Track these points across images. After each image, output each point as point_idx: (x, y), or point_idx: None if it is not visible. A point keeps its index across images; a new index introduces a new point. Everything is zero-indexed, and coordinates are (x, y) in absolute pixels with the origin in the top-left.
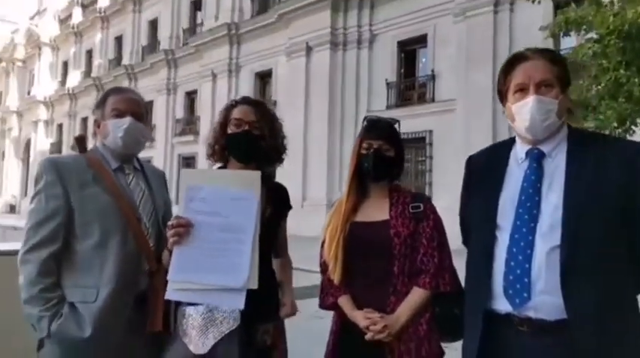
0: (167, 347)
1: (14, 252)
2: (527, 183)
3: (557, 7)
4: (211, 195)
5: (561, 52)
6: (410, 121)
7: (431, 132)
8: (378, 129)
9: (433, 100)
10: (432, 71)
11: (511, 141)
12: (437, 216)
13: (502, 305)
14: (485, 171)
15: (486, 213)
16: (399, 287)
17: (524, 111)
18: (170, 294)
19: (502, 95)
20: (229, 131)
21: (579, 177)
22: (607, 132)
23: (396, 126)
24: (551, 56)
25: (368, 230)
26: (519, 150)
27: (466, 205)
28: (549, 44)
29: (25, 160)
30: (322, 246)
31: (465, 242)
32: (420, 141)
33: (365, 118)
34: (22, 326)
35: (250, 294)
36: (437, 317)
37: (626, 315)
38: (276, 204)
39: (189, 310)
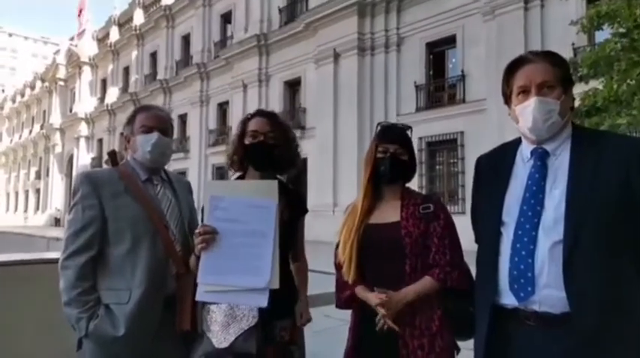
0: (193, 342)
1: (56, 260)
2: (531, 180)
3: (590, 1)
4: (233, 204)
5: (595, 47)
6: (440, 123)
7: (462, 133)
8: (393, 134)
9: (464, 101)
10: (462, 71)
11: (517, 141)
12: (447, 216)
13: (508, 299)
14: (492, 170)
15: (493, 210)
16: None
17: (527, 112)
18: (200, 295)
19: (506, 97)
20: (246, 142)
21: (582, 173)
22: None
23: (409, 132)
24: (552, 58)
25: (380, 231)
26: (525, 149)
27: (476, 204)
28: (582, 39)
29: (69, 175)
30: (337, 247)
31: (477, 239)
32: (452, 143)
33: (379, 124)
34: (64, 327)
35: (270, 293)
36: (450, 315)
37: (628, 308)
38: (292, 208)
39: (213, 307)
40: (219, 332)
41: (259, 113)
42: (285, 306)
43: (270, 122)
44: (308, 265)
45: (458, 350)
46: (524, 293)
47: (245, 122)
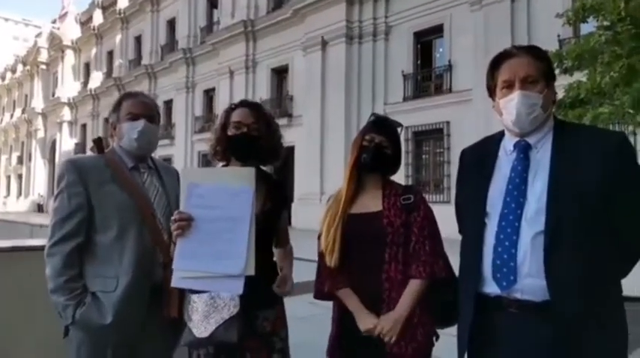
0: (181, 330)
1: (41, 248)
2: (514, 173)
3: None
4: (209, 191)
5: (580, 39)
6: (427, 113)
7: (448, 123)
8: (383, 126)
9: (450, 91)
10: (449, 61)
11: (501, 134)
12: (427, 207)
13: (491, 288)
14: (476, 162)
15: (477, 202)
16: (392, 274)
17: (511, 105)
18: (176, 282)
19: (491, 91)
20: (229, 133)
21: (563, 166)
22: (623, 117)
23: (399, 129)
24: (536, 53)
25: (363, 221)
26: (508, 142)
27: (460, 196)
28: (568, 31)
29: (51, 160)
30: (319, 237)
31: (461, 230)
32: (438, 133)
33: (372, 114)
34: (49, 315)
35: (251, 283)
36: (431, 304)
37: (607, 296)
38: (275, 199)
39: (194, 297)
40: (200, 321)
41: (243, 103)
42: (268, 297)
43: (254, 113)
44: (293, 252)
45: (437, 337)
46: (507, 282)
47: (229, 112)
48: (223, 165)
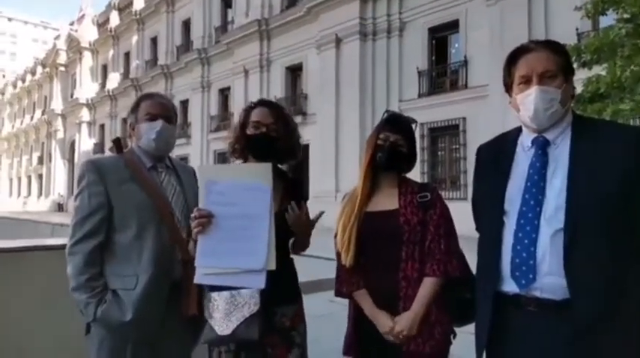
0: (201, 327)
1: (62, 247)
2: (532, 169)
3: None
4: (227, 188)
5: (599, 33)
6: (443, 109)
7: (464, 119)
8: (396, 124)
9: (466, 87)
10: (465, 57)
11: (518, 130)
12: (443, 205)
13: (510, 286)
14: (493, 159)
15: (494, 199)
16: (409, 272)
17: (528, 101)
18: (198, 278)
19: (508, 87)
20: (248, 132)
21: (582, 162)
22: None
23: (414, 126)
24: (554, 47)
25: (379, 219)
26: (525, 138)
27: (477, 194)
28: (587, 24)
29: (71, 160)
30: (335, 236)
31: (478, 228)
32: (454, 129)
33: (386, 111)
34: (67, 313)
35: (270, 279)
36: (448, 302)
37: (627, 295)
38: (292, 197)
39: (214, 295)
40: (222, 319)
41: (262, 103)
42: (286, 293)
43: (273, 113)
44: (309, 249)
45: (454, 335)
46: (526, 281)
47: (248, 111)
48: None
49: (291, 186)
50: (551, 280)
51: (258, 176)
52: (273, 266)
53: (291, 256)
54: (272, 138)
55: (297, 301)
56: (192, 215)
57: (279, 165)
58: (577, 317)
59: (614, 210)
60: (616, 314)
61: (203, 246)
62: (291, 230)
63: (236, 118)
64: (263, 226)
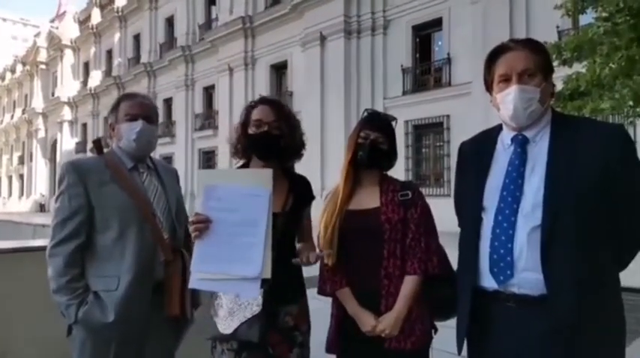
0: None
1: (43, 248)
2: (511, 167)
3: None
4: (226, 193)
5: (579, 31)
6: (427, 106)
7: (448, 116)
8: (377, 121)
9: (449, 84)
10: (448, 55)
11: (499, 128)
12: (424, 203)
13: (488, 282)
14: (474, 156)
15: (474, 196)
16: (391, 270)
17: (508, 100)
18: (193, 283)
19: (488, 85)
20: (250, 131)
21: (560, 159)
22: (624, 111)
23: (394, 123)
24: (533, 46)
25: (361, 217)
26: (505, 136)
27: (459, 190)
28: (567, 22)
29: (53, 160)
30: (318, 235)
31: (460, 224)
32: (438, 126)
33: (366, 110)
34: (51, 315)
35: (274, 279)
36: (429, 298)
37: (604, 289)
38: (297, 195)
39: (220, 294)
40: (225, 318)
41: (263, 101)
42: (290, 292)
43: (275, 111)
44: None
45: (436, 330)
46: (504, 277)
47: (249, 110)
48: (243, 164)
49: (296, 186)
50: (528, 276)
51: (258, 182)
52: (268, 274)
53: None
54: (275, 137)
55: (302, 300)
56: (190, 220)
57: (284, 165)
58: (554, 311)
59: (590, 208)
60: (592, 309)
61: (199, 251)
62: (296, 229)
63: (222, 116)
64: (260, 234)
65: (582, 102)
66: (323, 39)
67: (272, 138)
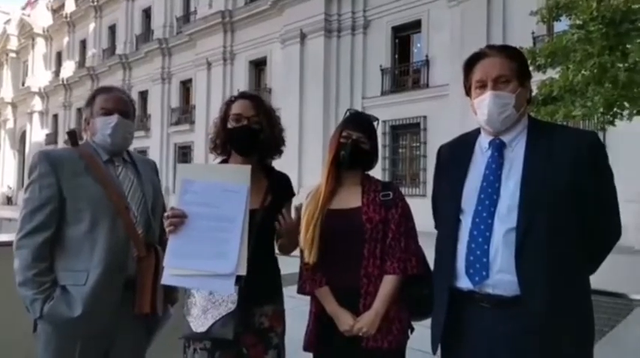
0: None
1: (9, 243)
2: (488, 170)
3: None
4: (204, 188)
5: (553, 37)
6: (404, 107)
7: (425, 117)
8: (359, 122)
9: (427, 86)
10: (426, 57)
11: (477, 132)
12: (405, 204)
13: (464, 283)
14: (453, 159)
15: (452, 198)
16: (370, 269)
17: (483, 105)
18: (165, 279)
19: (467, 90)
20: (229, 126)
21: (535, 164)
22: (595, 118)
23: (375, 123)
24: (509, 52)
25: (342, 216)
26: (483, 140)
27: (437, 192)
28: (542, 29)
29: (21, 151)
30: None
31: (437, 226)
32: (415, 127)
33: (348, 110)
34: (20, 312)
35: (250, 278)
36: (406, 298)
37: (576, 289)
38: (277, 192)
39: (193, 292)
40: (198, 316)
41: (243, 95)
42: (267, 292)
43: (254, 105)
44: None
45: (412, 329)
46: (479, 278)
47: (228, 104)
48: (223, 160)
49: (276, 182)
50: (502, 277)
51: (236, 178)
52: (243, 271)
53: (275, 255)
54: (254, 131)
55: (278, 301)
56: (166, 214)
57: (264, 160)
58: (526, 313)
59: (563, 211)
60: (564, 310)
61: (173, 246)
62: (275, 230)
63: (199, 111)
64: (236, 229)
65: (555, 107)
66: (303, 36)
67: (251, 132)
